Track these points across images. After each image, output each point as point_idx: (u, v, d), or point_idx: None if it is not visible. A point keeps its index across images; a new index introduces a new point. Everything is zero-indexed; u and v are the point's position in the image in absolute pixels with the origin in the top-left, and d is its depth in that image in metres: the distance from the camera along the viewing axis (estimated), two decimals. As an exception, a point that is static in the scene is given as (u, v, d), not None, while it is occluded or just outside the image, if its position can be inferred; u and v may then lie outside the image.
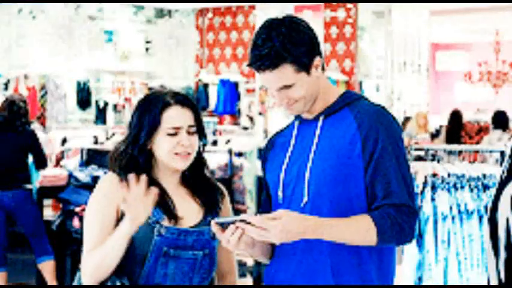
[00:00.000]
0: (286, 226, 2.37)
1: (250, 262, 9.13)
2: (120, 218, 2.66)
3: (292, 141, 2.69)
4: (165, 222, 2.68)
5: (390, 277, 2.66)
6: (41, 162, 7.21)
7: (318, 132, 2.62)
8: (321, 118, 2.63)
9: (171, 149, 2.69)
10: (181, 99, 2.74)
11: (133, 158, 2.71)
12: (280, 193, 2.66)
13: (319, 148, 2.59)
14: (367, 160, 2.53)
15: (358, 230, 2.48)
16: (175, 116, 2.70)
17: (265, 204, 2.79)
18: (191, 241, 2.71)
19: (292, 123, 2.75)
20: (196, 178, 2.82)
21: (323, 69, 2.64)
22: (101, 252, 2.60)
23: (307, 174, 2.58)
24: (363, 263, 2.56)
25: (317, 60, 2.58)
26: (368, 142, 2.53)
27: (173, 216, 2.70)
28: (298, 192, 2.60)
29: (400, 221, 2.50)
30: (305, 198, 2.58)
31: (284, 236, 2.38)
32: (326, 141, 2.59)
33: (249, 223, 2.38)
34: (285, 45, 2.51)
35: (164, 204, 2.70)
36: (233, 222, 2.42)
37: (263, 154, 2.80)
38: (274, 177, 2.70)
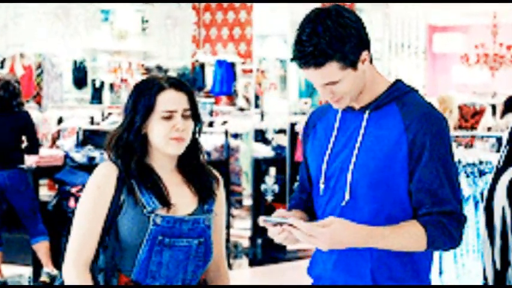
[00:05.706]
0: (335, 235, 2.33)
1: (245, 244, 9.15)
2: (111, 207, 2.67)
3: (336, 127, 2.59)
4: (161, 211, 2.67)
5: (422, 271, 2.59)
6: (33, 147, 7.15)
7: (363, 126, 2.52)
8: (367, 111, 2.53)
9: (166, 133, 2.68)
10: (175, 83, 2.73)
11: (129, 144, 2.71)
12: (321, 185, 2.58)
13: (364, 145, 2.50)
14: (413, 165, 2.46)
15: (409, 240, 2.43)
16: (170, 99, 2.69)
17: (302, 187, 2.74)
18: (186, 229, 2.70)
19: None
20: (191, 164, 2.80)
21: (371, 61, 2.52)
22: None
23: (350, 169, 2.50)
24: (401, 255, 2.50)
25: (364, 55, 2.46)
26: (415, 147, 2.46)
27: (167, 204, 2.69)
28: (340, 188, 2.53)
29: (451, 228, 2.46)
30: (346, 197, 2.51)
31: (332, 244, 2.34)
32: (371, 139, 2.50)
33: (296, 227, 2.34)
34: (331, 42, 2.37)
35: (159, 192, 2.70)
36: (281, 224, 2.39)
37: (304, 131, 2.72)
38: (316, 165, 2.62)
